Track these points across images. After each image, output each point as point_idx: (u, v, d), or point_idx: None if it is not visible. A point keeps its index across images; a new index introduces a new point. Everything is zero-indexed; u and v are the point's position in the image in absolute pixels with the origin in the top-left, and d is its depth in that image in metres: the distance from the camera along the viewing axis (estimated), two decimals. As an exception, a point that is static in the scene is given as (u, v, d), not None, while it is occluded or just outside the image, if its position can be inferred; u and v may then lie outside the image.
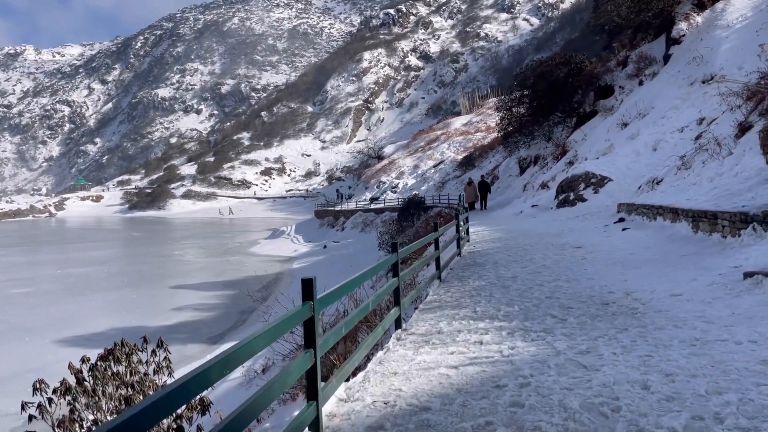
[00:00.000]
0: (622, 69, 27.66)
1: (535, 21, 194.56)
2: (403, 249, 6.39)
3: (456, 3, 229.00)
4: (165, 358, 5.75)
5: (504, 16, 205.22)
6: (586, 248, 10.85)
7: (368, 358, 5.23)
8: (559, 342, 4.87)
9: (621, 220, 14.35)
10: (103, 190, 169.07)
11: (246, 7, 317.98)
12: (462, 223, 13.52)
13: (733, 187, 10.81)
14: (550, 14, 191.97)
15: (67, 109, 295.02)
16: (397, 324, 6.05)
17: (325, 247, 49.36)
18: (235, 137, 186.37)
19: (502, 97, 38.57)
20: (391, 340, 5.66)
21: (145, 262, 50.52)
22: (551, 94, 30.41)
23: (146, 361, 5.70)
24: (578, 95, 30.07)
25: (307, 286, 3.36)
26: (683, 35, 24.31)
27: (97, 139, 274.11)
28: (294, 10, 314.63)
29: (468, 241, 14.53)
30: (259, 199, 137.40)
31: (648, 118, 21.99)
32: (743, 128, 13.44)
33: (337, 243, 50.46)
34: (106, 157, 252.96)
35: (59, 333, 23.77)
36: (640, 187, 16.80)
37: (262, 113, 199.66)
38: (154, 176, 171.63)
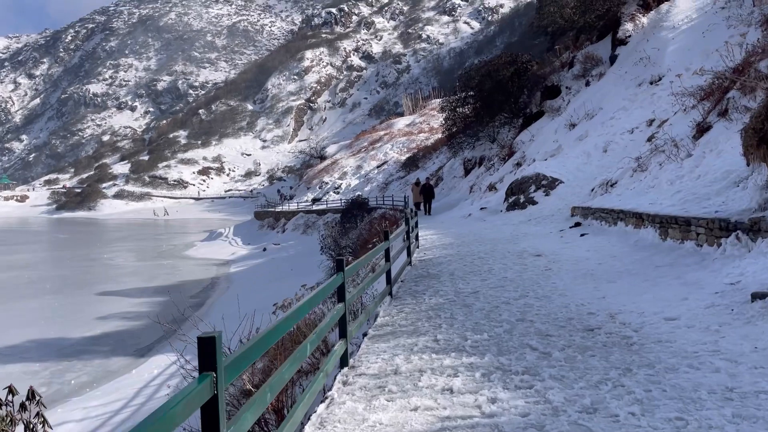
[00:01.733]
0: (568, 69, 27.36)
1: (476, 24, 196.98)
2: (351, 266, 5.21)
3: (398, 4, 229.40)
4: (38, 413, 4.37)
5: (445, 18, 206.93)
6: (547, 257, 9.96)
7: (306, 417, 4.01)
8: (553, 392, 3.80)
9: (577, 224, 13.63)
10: (28, 190, 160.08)
11: (183, 2, 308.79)
12: (412, 229, 12.49)
13: (699, 191, 10.16)
14: (490, 18, 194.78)
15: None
16: (343, 361, 4.86)
17: (264, 249, 47.66)
18: (171, 135, 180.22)
19: (448, 98, 37.97)
20: (336, 384, 4.47)
21: (70, 266, 47.38)
22: (497, 94, 29.89)
23: (11, 420, 4.31)
24: (524, 95, 29.65)
25: (208, 349, 2.14)
26: (629, 36, 24.14)
27: (24, 136, 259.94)
28: (233, 6, 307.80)
29: (418, 247, 13.48)
30: (197, 199, 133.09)
31: (596, 119, 21.61)
32: (702, 129, 12.94)
33: (277, 245, 48.78)
34: (33, 155, 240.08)
35: (-34, 347, 21.41)
36: (593, 190, 16.20)
37: (200, 111, 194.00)
38: (85, 175, 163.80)
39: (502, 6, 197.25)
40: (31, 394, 4.36)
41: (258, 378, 5.10)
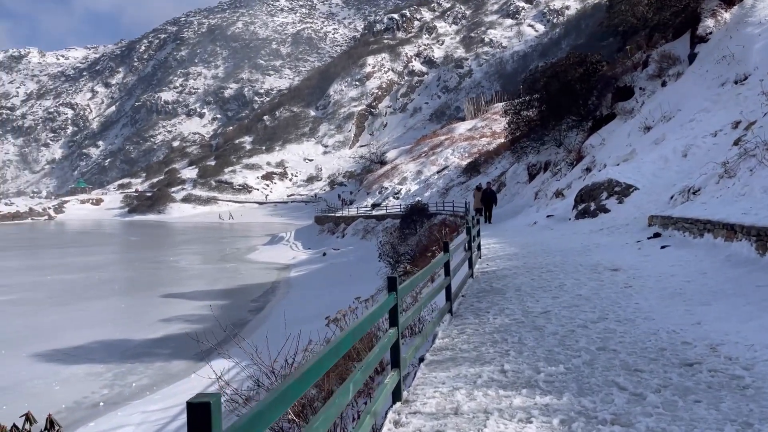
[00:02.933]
0: (642, 69, 25.84)
1: (540, 27, 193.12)
2: (405, 285, 4.56)
3: (460, 8, 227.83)
4: (56, 444, 3.93)
5: (509, 21, 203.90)
6: (625, 271, 9.01)
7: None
8: (656, 455, 3.02)
9: (656, 235, 12.51)
10: (103, 193, 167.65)
11: (250, 12, 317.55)
12: (474, 238, 11.74)
13: (802, 200, 8.99)
14: (555, 20, 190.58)
15: (70, 112, 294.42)
16: (396, 395, 4.21)
17: (324, 254, 47.67)
18: (237, 141, 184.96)
19: (511, 101, 36.84)
20: (386, 424, 3.83)
21: (138, 268, 48.86)
22: (564, 96, 28.62)
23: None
24: (594, 97, 28.25)
25: (199, 422, 1.54)
26: (710, 33, 22.52)
27: (100, 142, 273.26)
28: (298, 14, 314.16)
29: (480, 257, 12.70)
30: (260, 203, 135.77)
31: (674, 121, 20.17)
32: (801, 130, 11.62)
33: (336, 250, 48.72)
34: (108, 160, 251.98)
35: (38, 346, 22.07)
36: (672, 197, 14.95)
37: (265, 117, 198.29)
38: (155, 180, 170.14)
39: (567, 8, 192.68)
40: (50, 424, 3.92)
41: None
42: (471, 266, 10.09)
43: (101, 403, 16.29)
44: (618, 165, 19.60)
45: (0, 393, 16.83)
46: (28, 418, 3.95)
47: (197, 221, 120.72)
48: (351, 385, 3.04)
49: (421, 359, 5.41)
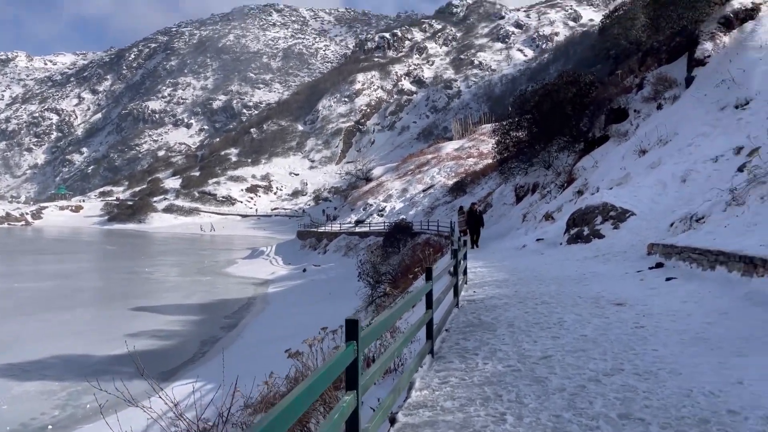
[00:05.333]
0: (637, 91, 25.08)
1: (529, 52, 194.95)
2: (369, 331, 3.37)
3: (451, 30, 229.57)
4: None
5: (498, 45, 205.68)
6: (632, 307, 7.89)
7: None
8: None
9: (659, 265, 11.44)
10: (83, 201, 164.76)
11: (242, 25, 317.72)
12: (460, 261, 10.61)
13: (831, 232, 7.97)
14: (544, 46, 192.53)
15: (55, 117, 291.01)
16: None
17: (304, 270, 46.51)
18: (222, 153, 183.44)
19: (500, 122, 36.05)
20: None
21: (111, 278, 47.22)
22: (555, 116, 27.78)
23: None
24: (586, 118, 27.45)
25: None
26: (708, 56, 21.80)
27: (84, 149, 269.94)
28: (290, 30, 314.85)
29: (466, 282, 11.55)
30: (243, 216, 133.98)
31: (671, 145, 19.30)
32: (819, 157, 10.68)
33: (317, 267, 47.52)
34: (91, 167, 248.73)
35: (-7, 359, 20.57)
36: (672, 224, 13.95)
37: (252, 130, 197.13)
38: (138, 188, 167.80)
39: (557, 34, 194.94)
40: None
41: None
42: (456, 294, 8.93)
43: (49, 426, 14.92)
44: (612, 189, 18.66)
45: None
46: None
47: (178, 232, 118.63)
48: None
49: (392, 419, 4.22)
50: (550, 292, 9.55)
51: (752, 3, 22.49)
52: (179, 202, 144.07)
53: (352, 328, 3.06)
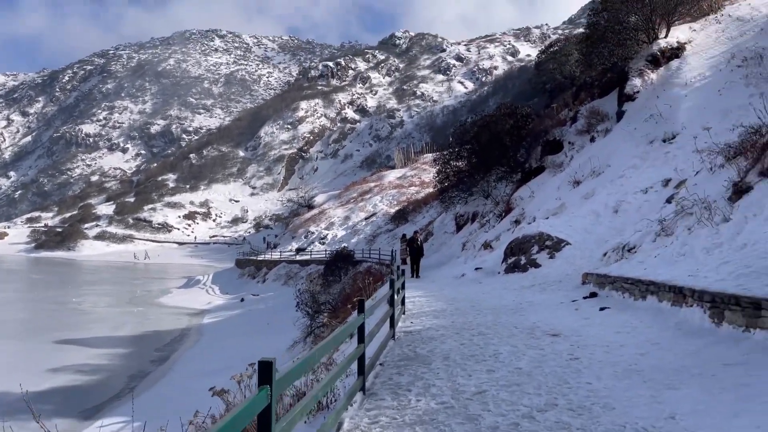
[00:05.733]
0: (571, 124, 25.88)
1: (470, 84, 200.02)
2: (287, 374, 3.08)
3: (394, 61, 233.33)
4: None
5: (440, 77, 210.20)
6: (566, 338, 7.86)
7: None
8: None
9: (593, 294, 11.58)
10: (8, 227, 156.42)
11: (183, 50, 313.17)
12: (398, 291, 10.42)
13: (753, 264, 8.19)
14: (484, 79, 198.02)
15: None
16: None
17: (242, 300, 45.37)
18: (160, 178, 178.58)
19: (443, 153, 36.54)
20: None
21: (35, 309, 44.62)
22: (494, 147, 28.36)
23: None
24: (523, 149, 28.11)
25: None
26: (637, 92, 22.75)
27: (12, 173, 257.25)
28: (233, 56, 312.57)
29: (404, 313, 11.35)
30: (180, 243, 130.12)
31: (604, 176, 19.90)
32: (740, 190, 11.10)
33: (256, 296, 46.47)
34: (19, 192, 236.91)
35: None
36: (605, 254, 14.24)
37: (191, 155, 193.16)
38: (68, 215, 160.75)
39: (496, 68, 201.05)
40: None
41: None
42: (393, 325, 8.70)
43: (-50, 479, 13.62)
44: (548, 218, 19.00)
45: None
46: None
47: (110, 260, 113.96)
48: None
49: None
50: (486, 323, 9.45)
51: (677, 42, 23.69)
52: (112, 229, 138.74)
53: (265, 370, 2.78)
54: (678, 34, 24.56)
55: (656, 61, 23.22)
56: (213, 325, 36.73)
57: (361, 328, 5.61)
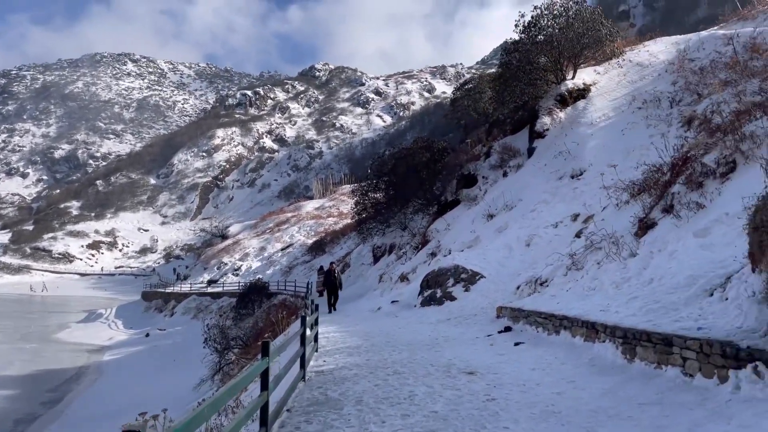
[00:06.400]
0: (485, 159, 26.48)
1: (388, 118, 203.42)
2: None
3: (314, 93, 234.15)
4: None
5: (359, 110, 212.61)
6: (482, 376, 7.64)
7: None
8: None
9: (507, 329, 11.54)
10: None
11: (93, 72, 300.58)
12: (310, 329, 9.92)
13: (662, 298, 8.36)
14: (401, 114, 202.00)
15: None
16: None
17: (147, 335, 43.00)
18: (62, 205, 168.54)
19: (361, 184, 36.46)
20: None
21: None
22: (411, 180, 28.56)
23: None
24: (439, 183, 28.45)
25: None
26: (547, 129, 23.62)
27: None
28: (146, 81, 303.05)
29: (317, 350, 10.83)
30: (82, 275, 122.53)
31: (516, 211, 20.33)
32: (645, 225, 11.48)
33: (162, 331, 44.15)
34: None
35: None
36: (519, 287, 14.35)
37: (98, 182, 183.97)
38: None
39: (413, 103, 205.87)
40: None
41: None
42: (303, 365, 8.18)
43: None
44: (463, 251, 19.11)
45: None
46: None
47: (3, 292, 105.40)
48: None
49: None
50: (402, 360, 9.12)
51: (583, 84, 24.89)
52: (7, 259, 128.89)
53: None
54: (584, 76, 25.84)
55: (564, 100, 24.25)
56: (115, 362, 34.55)
57: (264, 374, 5.10)
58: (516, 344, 10.10)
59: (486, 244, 18.86)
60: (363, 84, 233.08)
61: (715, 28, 25.39)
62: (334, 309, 20.59)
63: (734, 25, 22.89)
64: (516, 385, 7.00)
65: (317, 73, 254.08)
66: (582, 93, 24.56)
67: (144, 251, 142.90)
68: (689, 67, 21.27)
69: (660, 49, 25.48)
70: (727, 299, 7.27)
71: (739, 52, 19.06)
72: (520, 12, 27.15)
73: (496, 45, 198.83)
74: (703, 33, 25.00)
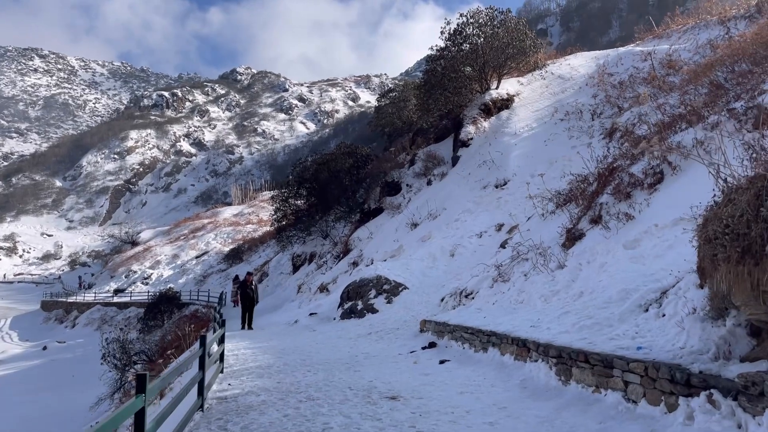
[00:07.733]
0: (409, 167, 25.97)
1: (312, 126, 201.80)
2: None
3: (235, 97, 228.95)
4: None
5: (282, 116, 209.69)
6: (406, 401, 6.84)
7: None
8: None
9: (432, 345, 10.83)
10: None
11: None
12: (217, 344, 8.81)
13: (594, 314, 7.88)
14: (326, 121, 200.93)
15: None
16: None
17: (45, 348, 39.85)
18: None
19: (281, 190, 35.07)
20: None
21: None
22: (333, 186, 27.66)
23: None
24: (362, 190, 27.70)
25: None
26: (471, 138, 23.39)
27: None
28: (55, 78, 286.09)
29: (222, 371, 9.70)
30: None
31: (440, 219, 19.84)
32: (573, 237, 11.12)
33: (62, 344, 41.07)
34: None
35: None
36: (443, 299, 13.74)
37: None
38: None
39: (337, 111, 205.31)
40: None
41: None
42: (202, 392, 7.09)
43: None
44: (386, 261, 18.39)
45: None
46: None
47: None
48: None
49: None
50: (317, 383, 8.19)
51: (507, 94, 24.90)
52: None
53: None
54: (508, 86, 25.89)
55: (489, 110, 24.13)
56: (5, 379, 31.53)
57: (140, 416, 4.05)
58: (441, 362, 9.39)
59: (410, 254, 18.23)
60: (286, 90, 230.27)
61: (632, 45, 26.12)
62: (250, 327, 18.30)
63: (650, 43, 23.56)
64: (444, 413, 6.24)
65: (239, 77, 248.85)
66: (506, 103, 24.55)
67: (47, 258, 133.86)
68: (609, 81, 21.62)
69: (580, 63, 25.93)
70: (664, 315, 6.84)
71: (656, 68, 19.47)
72: (446, 19, 26.97)
73: (419, 57, 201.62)
74: (621, 49, 25.65)
